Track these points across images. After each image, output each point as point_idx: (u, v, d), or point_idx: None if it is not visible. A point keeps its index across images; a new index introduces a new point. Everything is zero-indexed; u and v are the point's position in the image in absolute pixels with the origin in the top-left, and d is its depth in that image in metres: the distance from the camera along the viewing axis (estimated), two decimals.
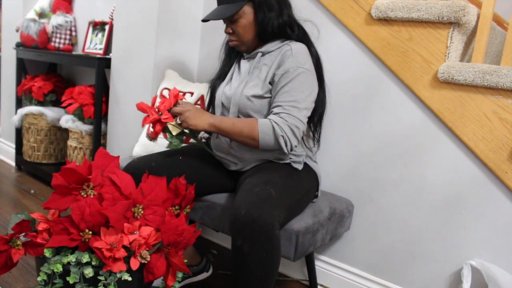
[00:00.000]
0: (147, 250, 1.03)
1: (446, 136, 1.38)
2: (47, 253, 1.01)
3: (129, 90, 2.03)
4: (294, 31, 1.35)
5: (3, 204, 2.26)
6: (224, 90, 1.39)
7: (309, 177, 1.37)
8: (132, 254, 1.02)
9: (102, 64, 2.16)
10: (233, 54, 1.47)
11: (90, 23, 2.57)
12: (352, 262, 1.63)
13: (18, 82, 2.79)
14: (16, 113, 2.74)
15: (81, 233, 1.01)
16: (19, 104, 2.81)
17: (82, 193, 1.07)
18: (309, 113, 1.29)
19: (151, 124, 1.25)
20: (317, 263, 1.68)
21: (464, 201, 1.36)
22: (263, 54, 1.36)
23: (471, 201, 1.35)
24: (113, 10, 2.34)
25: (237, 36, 1.35)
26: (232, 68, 1.45)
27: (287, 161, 1.36)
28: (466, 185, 1.36)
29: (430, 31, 1.39)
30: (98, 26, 2.52)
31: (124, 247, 1.02)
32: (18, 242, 1.03)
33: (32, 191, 2.49)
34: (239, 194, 1.16)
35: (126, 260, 1.02)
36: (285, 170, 1.30)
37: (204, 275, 1.62)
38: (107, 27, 2.45)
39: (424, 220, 1.44)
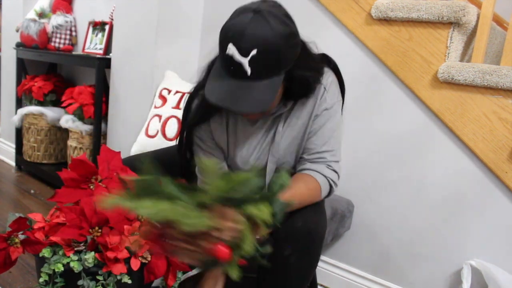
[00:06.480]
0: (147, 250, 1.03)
1: (446, 136, 1.38)
2: (46, 253, 1.00)
3: (129, 90, 2.03)
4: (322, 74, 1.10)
5: (3, 204, 2.25)
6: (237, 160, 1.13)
7: None
8: (133, 255, 1.02)
9: (102, 64, 2.16)
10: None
11: (90, 23, 2.57)
12: (352, 262, 1.63)
13: (18, 82, 2.78)
14: (16, 113, 2.74)
15: (90, 230, 1.00)
16: (19, 104, 2.81)
17: (91, 187, 1.07)
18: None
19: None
20: None
21: (464, 201, 1.36)
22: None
23: (471, 201, 1.35)
24: (113, 10, 2.34)
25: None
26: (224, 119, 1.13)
27: None
28: (466, 185, 1.36)
29: (430, 31, 1.39)
30: (98, 26, 2.52)
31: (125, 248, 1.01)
32: (16, 240, 1.03)
33: (32, 191, 2.49)
34: None
35: (126, 260, 1.02)
36: None
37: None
38: (107, 27, 2.45)
39: (424, 220, 1.44)
